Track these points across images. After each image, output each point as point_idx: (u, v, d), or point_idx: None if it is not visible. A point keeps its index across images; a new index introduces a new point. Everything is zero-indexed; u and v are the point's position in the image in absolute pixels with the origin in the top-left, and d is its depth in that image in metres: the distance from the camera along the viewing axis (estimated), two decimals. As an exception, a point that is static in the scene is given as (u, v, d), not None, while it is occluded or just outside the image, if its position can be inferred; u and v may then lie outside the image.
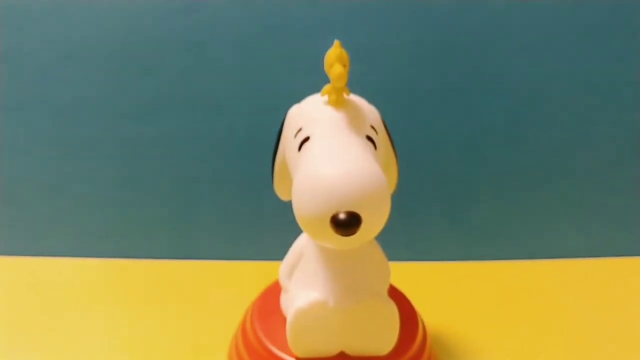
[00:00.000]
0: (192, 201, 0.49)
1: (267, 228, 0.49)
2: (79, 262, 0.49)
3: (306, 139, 0.28)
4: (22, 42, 0.45)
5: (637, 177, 0.49)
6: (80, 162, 0.48)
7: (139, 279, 0.47)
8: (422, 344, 0.33)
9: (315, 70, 0.30)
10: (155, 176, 0.48)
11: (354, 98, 0.30)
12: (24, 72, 0.45)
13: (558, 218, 0.50)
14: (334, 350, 0.30)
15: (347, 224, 0.24)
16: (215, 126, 0.47)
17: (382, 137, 0.30)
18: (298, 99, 0.31)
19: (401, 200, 0.32)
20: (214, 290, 0.45)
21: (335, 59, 0.27)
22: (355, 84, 0.29)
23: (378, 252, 0.31)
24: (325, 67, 0.28)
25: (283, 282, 0.33)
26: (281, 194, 0.33)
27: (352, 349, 0.30)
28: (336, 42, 0.27)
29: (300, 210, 0.26)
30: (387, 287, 0.32)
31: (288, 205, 0.29)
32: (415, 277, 0.45)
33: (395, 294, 0.35)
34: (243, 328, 0.34)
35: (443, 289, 0.46)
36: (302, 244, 0.32)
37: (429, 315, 0.36)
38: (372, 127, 0.29)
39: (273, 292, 0.35)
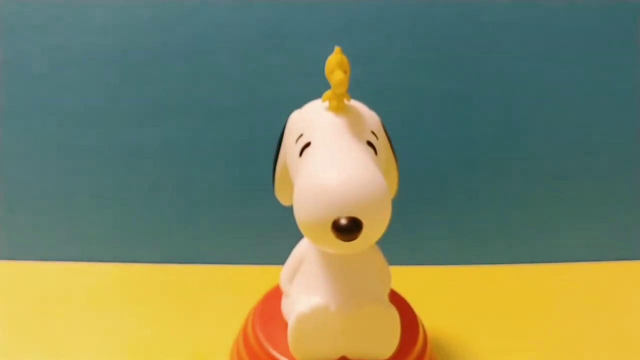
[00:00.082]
0: (194, 206, 0.49)
1: (268, 233, 0.49)
2: (82, 267, 0.49)
3: (307, 145, 0.28)
4: (24, 50, 0.45)
5: (637, 182, 0.49)
6: (83, 168, 0.48)
7: (141, 284, 0.47)
8: (422, 348, 0.33)
9: (316, 76, 0.31)
10: (157, 182, 0.49)
11: (355, 104, 0.30)
12: (26, 80, 0.46)
13: (558, 222, 0.50)
14: (335, 355, 0.30)
15: (349, 229, 0.24)
16: (216, 132, 0.47)
17: (382, 143, 0.30)
18: (299, 104, 0.31)
19: (402, 205, 0.32)
20: (216, 295, 0.46)
21: (336, 65, 0.27)
22: (356, 90, 0.30)
23: (379, 257, 0.31)
24: (326, 73, 0.28)
25: (284, 287, 0.33)
26: (282, 199, 0.33)
27: (353, 353, 0.30)
28: (337, 49, 0.27)
29: (301, 216, 0.26)
30: (388, 291, 0.32)
31: (289, 210, 0.29)
32: (416, 282, 0.45)
33: (396, 299, 0.35)
34: (244, 332, 0.34)
35: (443, 293, 0.46)
36: (303, 248, 0.32)
37: (430, 319, 0.36)
38: (373, 133, 0.29)
39: (274, 297, 0.35)
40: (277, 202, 0.33)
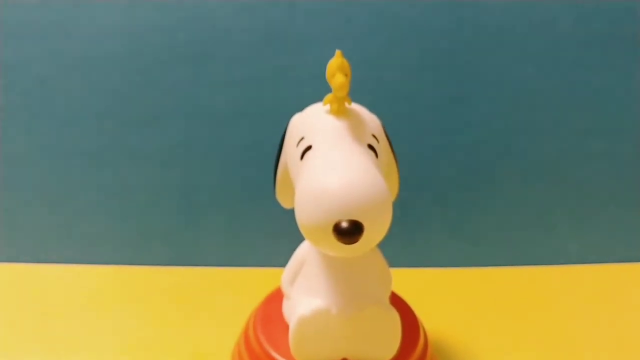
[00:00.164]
0: (196, 208, 0.49)
1: (269, 235, 0.49)
2: (83, 269, 0.49)
3: (308, 148, 0.28)
4: (27, 54, 0.45)
5: (634, 185, 0.49)
6: (85, 171, 0.48)
7: (143, 286, 0.47)
8: (423, 350, 0.33)
9: (317, 79, 0.31)
10: (159, 185, 0.49)
11: (356, 107, 0.30)
12: (28, 83, 0.46)
13: (558, 224, 0.50)
14: (336, 357, 0.30)
15: (350, 232, 0.24)
16: (218, 135, 0.47)
17: (383, 146, 0.30)
18: (300, 108, 0.31)
19: (402, 207, 0.32)
20: (217, 297, 0.46)
21: (336, 69, 0.27)
22: (357, 93, 0.30)
23: (380, 259, 0.31)
24: (327, 77, 0.28)
25: (285, 289, 0.33)
26: (283, 202, 0.33)
27: (354, 356, 0.30)
28: (338, 52, 0.28)
29: (302, 219, 0.26)
30: (389, 294, 0.32)
31: (290, 212, 0.29)
32: (416, 284, 0.45)
33: (397, 301, 0.35)
34: (246, 335, 0.34)
35: (444, 296, 0.47)
36: (304, 251, 0.32)
37: (430, 321, 0.36)
38: (374, 136, 0.29)
39: (275, 299, 0.35)
40: (279, 204, 0.33)
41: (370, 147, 0.28)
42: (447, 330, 0.42)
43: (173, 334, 0.42)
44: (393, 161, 0.31)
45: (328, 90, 0.28)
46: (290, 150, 0.30)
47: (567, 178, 0.49)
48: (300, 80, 0.45)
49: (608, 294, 0.47)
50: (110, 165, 0.48)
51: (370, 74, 0.45)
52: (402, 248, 0.49)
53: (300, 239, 0.31)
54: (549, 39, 0.45)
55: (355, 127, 0.28)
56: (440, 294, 0.47)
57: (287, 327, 0.31)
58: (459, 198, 0.49)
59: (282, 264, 0.33)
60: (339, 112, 0.29)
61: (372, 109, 0.31)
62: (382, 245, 0.29)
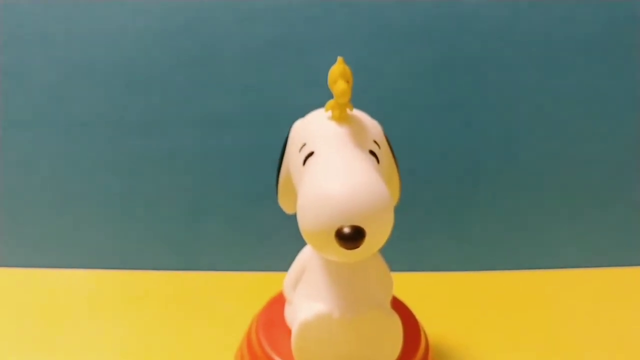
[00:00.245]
0: (198, 214, 0.50)
1: (271, 240, 0.49)
2: (86, 274, 0.50)
3: (310, 154, 0.28)
4: (30, 61, 0.45)
5: (633, 189, 0.49)
6: (88, 176, 0.48)
7: (145, 291, 0.47)
8: (424, 354, 0.33)
9: (318, 85, 0.31)
10: (161, 190, 0.49)
11: (357, 113, 0.30)
12: (31, 90, 0.46)
13: (557, 229, 0.50)
14: (338, 361, 0.30)
15: (352, 237, 0.24)
16: (220, 140, 0.47)
17: (384, 151, 0.30)
18: (302, 113, 0.32)
19: (403, 212, 0.32)
20: (219, 301, 0.46)
21: (338, 75, 0.28)
22: (358, 99, 0.30)
23: (381, 264, 0.32)
24: (329, 83, 0.28)
25: (287, 294, 0.33)
26: (285, 207, 0.33)
27: (356, 360, 0.30)
28: (339, 59, 0.28)
29: (305, 224, 0.26)
30: (390, 298, 0.32)
31: (292, 217, 0.29)
32: (417, 288, 0.46)
33: (398, 305, 0.35)
34: (248, 339, 0.34)
35: (445, 300, 0.47)
36: (306, 256, 0.32)
37: (431, 325, 0.36)
38: (375, 142, 0.29)
39: (277, 304, 0.35)
40: (281, 209, 0.34)
41: (372, 152, 0.28)
42: (448, 334, 0.42)
43: (175, 339, 0.42)
44: (394, 166, 0.32)
45: (329, 95, 0.28)
46: (293, 156, 0.30)
47: (566, 182, 0.49)
48: (302, 85, 0.45)
49: (608, 297, 0.47)
50: (114, 170, 0.48)
51: (371, 80, 0.45)
52: (403, 253, 0.49)
53: (302, 244, 0.31)
54: (547, 44, 0.45)
55: (357, 133, 0.29)
56: (441, 298, 0.47)
57: (289, 331, 0.31)
58: (460, 203, 0.49)
59: (284, 268, 0.33)
60: (341, 118, 0.29)
61: (373, 114, 0.31)
62: (384, 250, 0.29)
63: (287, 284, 0.33)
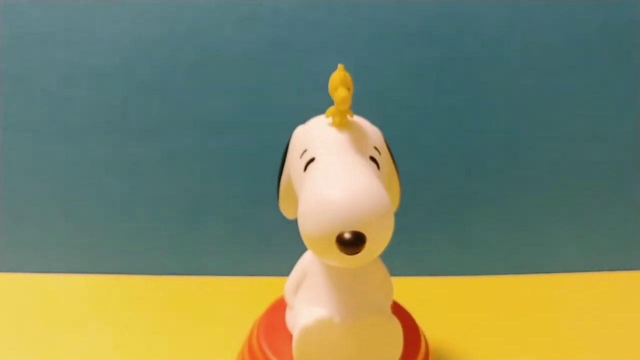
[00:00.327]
0: (198, 218, 0.50)
1: (272, 245, 0.49)
2: (86, 279, 0.50)
3: (311, 160, 0.28)
4: (31, 65, 0.45)
5: (634, 193, 0.49)
6: (88, 181, 0.49)
7: (146, 295, 0.48)
8: (424, 359, 0.33)
9: (318, 89, 0.31)
10: (161, 194, 0.49)
11: (358, 119, 0.30)
12: (32, 93, 0.46)
13: (557, 233, 0.51)
14: (339, 366, 0.31)
15: (352, 243, 0.24)
16: (220, 145, 0.47)
17: (384, 157, 0.30)
18: (302, 118, 0.32)
19: (404, 217, 0.32)
20: (220, 306, 0.46)
21: (339, 83, 0.28)
22: (358, 105, 0.30)
23: (381, 269, 0.32)
24: (330, 90, 0.28)
25: (289, 299, 0.33)
26: (286, 212, 0.33)
27: (356, 364, 0.30)
28: (340, 66, 0.28)
29: (306, 230, 0.26)
30: (390, 303, 0.32)
31: (292, 222, 0.29)
32: (418, 293, 0.46)
33: (398, 310, 0.35)
34: (249, 344, 0.34)
35: (445, 304, 0.47)
36: (307, 261, 0.32)
37: (431, 330, 0.37)
38: (375, 148, 0.29)
39: (278, 309, 0.35)
40: (282, 214, 0.34)
41: (372, 158, 0.29)
42: (448, 338, 0.42)
43: (176, 343, 0.42)
44: (394, 172, 0.32)
45: (329, 98, 0.29)
46: (294, 162, 0.30)
47: (566, 186, 0.49)
48: (302, 87, 0.45)
49: (608, 301, 0.47)
50: (114, 173, 0.48)
51: (370, 82, 0.45)
52: (403, 257, 0.50)
53: (303, 249, 0.31)
54: (547, 45, 0.45)
55: (357, 139, 0.29)
56: (441, 302, 0.47)
57: (290, 336, 0.31)
58: (460, 207, 0.50)
59: (285, 273, 0.33)
60: (341, 124, 0.29)
61: (373, 120, 0.31)
62: (384, 255, 0.29)
63: (288, 289, 0.33)
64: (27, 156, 0.48)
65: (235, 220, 0.50)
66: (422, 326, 0.35)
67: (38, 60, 0.45)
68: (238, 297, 0.47)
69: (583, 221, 0.50)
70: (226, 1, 0.44)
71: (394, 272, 0.32)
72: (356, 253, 0.25)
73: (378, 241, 0.26)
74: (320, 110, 0.30)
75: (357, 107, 0.30)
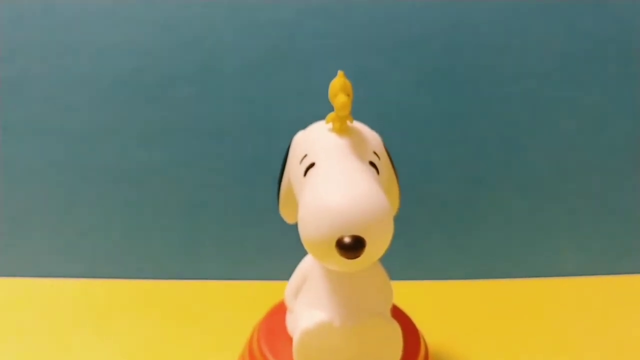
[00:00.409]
0: (199, 223, 0.50)
1: (272, 249, 0.49)
2: (86, 284, 0.50)
3: (311, 165, 0.28)
4: (34, 71, 0.46)
5: (632, 198, 0.50)
6: (90, 186, 0.49)
7: (147, 300, 0.48)
8: (424, 362, 0.33)
9: (319, 97, 0.31)
10: (162, 200, 0.49)
11: (357, 125, 0.31)
12: (34, 100, 0.46)
13: (557, 238, 0.51)
14: (339, 369, 0.31)
15: (352, 247, 0.25)
16: (221, 151, 0.48)
17: (384, 162, 0.30)
18: (303, 125, 0.32)
19: (403, 221, 0.32)
20: (221, 310, 0.46)
21: (339, 89, 0.28)
22: (358, 111, 0.30)
23: (381, 273, 0.32)
24: (330, 96, 0.28)
25: (289, 303, 0.33)
26: (287, 217, 0.34)
27: (356, 368, 0.31)
28: (340, 73, 0.28)
29: (306, 234, 0.26)
30: (390, 306, 0.32)
31: (292, 227, 0.29)
32: (417, 297, 0.46)
33: (398, 314, 0.35)
34: (250, 348, 0.34)
35: (444, 308, 0.47)
36: (307, 265, 0.32)
37: (431, 334, 0.37)
38: (375, 153, 0.30)
39: (279, 312, 0.35)
40: (281, 219, 0.34)
41: (372, 163, 0.29)
42: (448, 342, 0.42)
43: (176, 348, 0.42)
44: (394, 177, 0.32)
45: (329, 106, 0.29)
46: (294, 167, 0.30)
47: (565, 191, 0.49)
48: (302, 96, 0.46)
49: (608, 305, 0.47)
50: (114, 180, 0.49)
51: (370, 90, 0.46)
52: (403, 261, 0.50)
53: (302, 253, 0.31)
54: (546, 54, 0.46)
55: (357, 144, 0.29)
56: (441, 306, 0.47)
57: (290, 340, 0.31)
58: (459, 212, 0.50)
59: (285, 277, 0.33)
60: (341, 130, 0.29)
61: (373, 126, 0.32)
62: (384, 259, 0.30)
63: (288, 293, 0.33)
64: (29, 162, 0.48)
65: (235, 225, 0.50)
66: (422, 330, 0.35)
67: (40, 67, 0.46)
68: (238, 301, 0.47)
69: (582, 225, 0.51)
70: (227, 10, 0.44)
71: (394, 275, 0.33)
72: (356, 257, 0.25)
73: (378, 245, 0.26)
74: (320, 117, 0.31)
75: (357, 113, 0.30)
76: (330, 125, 0.30)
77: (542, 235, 0.51)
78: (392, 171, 0.32)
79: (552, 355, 0.42)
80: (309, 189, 0.28)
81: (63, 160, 0.48)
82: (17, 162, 0.48)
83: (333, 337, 0.30)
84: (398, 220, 0.29)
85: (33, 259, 0.51)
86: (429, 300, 0.48)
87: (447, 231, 0.50)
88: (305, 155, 0.29)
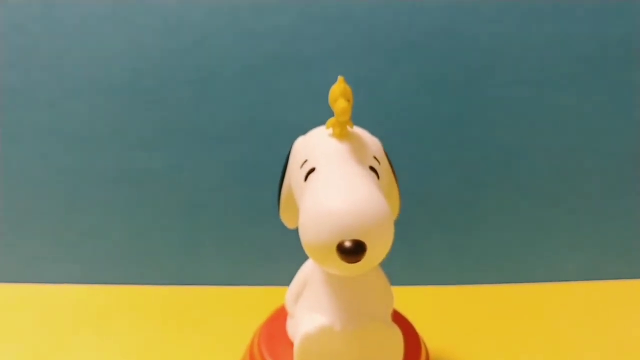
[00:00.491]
0: (199, 228, 0.50)
1: (273, 254, 0.49)
2: (87, 289, 0.50)
3: (312, 170, 0.29)
4: (35, 75, 0.46)
5: (630, 202, 0.50)
6: (90, 191, 0.49)
7: (147, 305, 0.48)
8: (425, 367, 0.33)
9: (318, 101, 0.32)
10: (162, 204, 0.49)
11: (357, 130, 0.31)
12: (35, 104, 0.47)
13: (556, 243, 0.51)
14: (340, 373, 0.31)
15: (353, 251, 0.25)
16: (221, 156, 0.48)
17: (384, 167, 0.31)
18: (303, 129, 0.32)
19: (403, 226, 0.33)
20: (221, 316, 0.46)
21: (339, 94, 0.28)
22: (358, 114, 0.30)
23: (382, 278, 0.32)
24: (330, 102, 0.29)
25: (289, 307, 0.33)
26: (287, 222, 0.34)
27: (357, 372, 0.31)
28: (340, 78, 0.28)
29: (307, 239, 0.26)
30: (390, 311, 0.32)
31: (293, 232, 0.30)
32: (418, 302, 0.46)
33: (398, 318, 0.35)
34: (250, 352, 0.34)
35: (445, 313, 0.47)
36: (308, 269, 0.32)
37: (432, 338, 0.37)
38: (375, 158, 0.30)
39: (279, 317, 0.35)
40: (282, 224, 0.34)
41: (372, 168, 0.29)
42: (448, 347, 0.42)
43: (177, 353, 0.42)
44: (394, 181, 0.32)
45: (330, 110, 0.29)
46: (294, 173, 0.31)
47: (564, 196, 0.50)
48: (302, 101, 0.46)
49: (607, 310, 0.47)
50: (115, 185, 0.49)
51: (370, 95, 0.46)
52: (403, 266, 0.50)
53: (303, 258, 0.31)
54: (545, 59, 0.46)
55: (357, 149, 0.29)
56: (441, 311, 0.47)
57: (291, 344, 0.31)
58: (459, 217, 0.50)
59: (286, 283, 0.33)
60: (341, 135, 0.29)
61: (373, 131, 0.32)
62: (384, 264, 0.30)
63: (289, 298, 0.33)
64: (30, 166, 0.48)
65: (236, 230, 0.50)
66: (422, 334, 0.35)
67: (41, 71, 0.46)
68: (239, 307, 0.47)
69: (581, 230, 0.51)
70: (227, 15, 0.44)
71: (394, 281, 0.33)
72: (357, 261, 0.25)
73: (378, 249, 0.26)
74: (321, 122, 0.31)
75: (357, 118, 0.30)
76: (330, 130, 0.30)
77: (542, 241, 0.51)
78: (392, 176, 0.32)
79: (551, 359, 0.41)
80: (309, 193, 0.28)
81: (63, 164, 0.48)
82: (17, 166, 0.48)
83: (334, 342, 0.30)
84: (398, 225, 0.29)
85: (32, 264, 0.51)
86: (429, 305, 0.48)
87: (447, 236, 0.50)
88: (306, 161, 0.29)
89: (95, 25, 0.45)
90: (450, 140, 0.48)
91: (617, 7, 0.45)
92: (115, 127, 0.47)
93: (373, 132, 0.32)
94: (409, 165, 0.47)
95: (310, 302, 0.31)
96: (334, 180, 0.27)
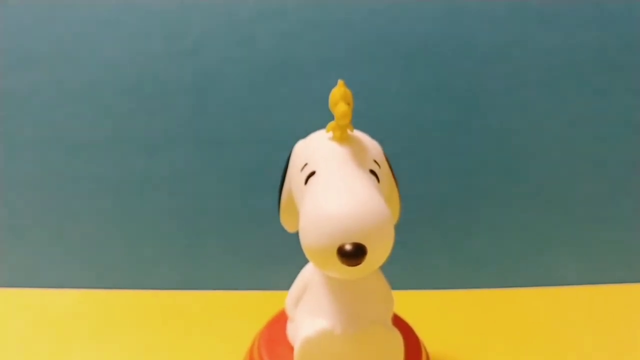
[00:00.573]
0: (200, 232, 0.50)
1: (273, 258, 0.49)
2: (87, 294, 0.50)
3: (312, 174, 0.29)
4: (35, 82, 0.46)
5: (631, 207, 0.50)
6: (90, 197, 0.49)
7: (147, 310, 0.48)
8: (425, 371, 0.33)
9: (319, 106, 0.32)
10: (163, 209, 0.49)
11: (358, 134, 0.31)
12: (34, 110, 0.47)
13: (556, 247, 0.51)
14: (340, 377, 0.31)
15: (353, 254, 0.25)
16: (222, 161, 0.48)
17: (384, 171, 0.31)
18: (303, 134, 0.32)
19: (404, 230, 0.33)
20: (221, 320, 0.46)
21: (339, 98, 0.28)
22: (358, 120, 0.30)
23: (382, 281, 0.32)
24: (330, 105, 0.29)
25: (289, 311, 0.33)
26: (287, 226, 0.34)
27: (357, 376, 0.31)
28: (340, 82, 0.28)
29: (307, 242, 0.26)
30: (391, 315, 0.32)
31: (293, 236, 0.30)
32: (418, 306, 0.46)
33: (399, 322, 0.35)
34: (251, 357, 0.34)
35: (445, 317, 0.47)
36: (308, 273, 0.32)
37: (432, 342, 0.37)
38: (375, 162, 0.30)
39: (279, 322, 0.35)
40: (281, 228, 0.34)
41: (372, 172, 0.29)
42: (449, 351, 0.42)
43: (177, 358, 0.42)
44: (394, 185, 0.32)
45: (330, 116, 0.29)
46: (294, 176, 0.31)
47: (565, 200, 0.50)
48: (302, 107, 0.46)
49: (608, 315, 0.47)
50: (114, 190, 0.49)
51: (371, 101, 0.46)
52: (404, 270, 0.50)
53: (303, 262, 0.31)
54: (546, 66, 0.46)
55: (357, 153, 0.29)
56: (442, 315, 0.47)
57: (291, 348, 0.31)
58: (459, 221, 0.50)
59: (286, 287, 0.33)
60: (342, 139, 0.29)
61: (373, 135, 0.32)
62: (385, 268, 0.30)
63: (289, 302, 0.33)
64: (29, 171, 0.48)
65: (236, 235, 0.50)
66: (423, 339, 0.35)
67: (41, 77, 0.46)
68: (239, 311, 0.47)
69: (582, 234, 0.51)
70: (228, 20, 0.45)
71: (395, 285, 0.33)
72: (357, 264, 0.25)
73: (378, 252, 0.26)
74: (321, 126, 0.31)
75: (357, 122, 0.30)
76: (330, 134, 0.30)
77: (542, 245, 0.51)
78: (392, 179, 0.32)
79: (553, 364, 0.42)
80: (309, 197, 0.28)
81: (63, 169, 0.48)
82: (17, 171, 0.48)
83: (334, 345, 0.30)
84: (399, 228, 0.29)
85: (30, 269, 0.51)
86: (430, 310, 0.48)
87: (448, 240, 0.50)
88: (306, 164, 0.29)
89: (96, 31, 0.45)
90: (451, 145, 0.48)
91: (616, 11, 0.45)
92: (115, 133, 0.47)
93: (373, 136, 0.32)
94: (410, 169, 0.47)
95: (310, 306, 0.31)
96: (334, 183, 0.27)
